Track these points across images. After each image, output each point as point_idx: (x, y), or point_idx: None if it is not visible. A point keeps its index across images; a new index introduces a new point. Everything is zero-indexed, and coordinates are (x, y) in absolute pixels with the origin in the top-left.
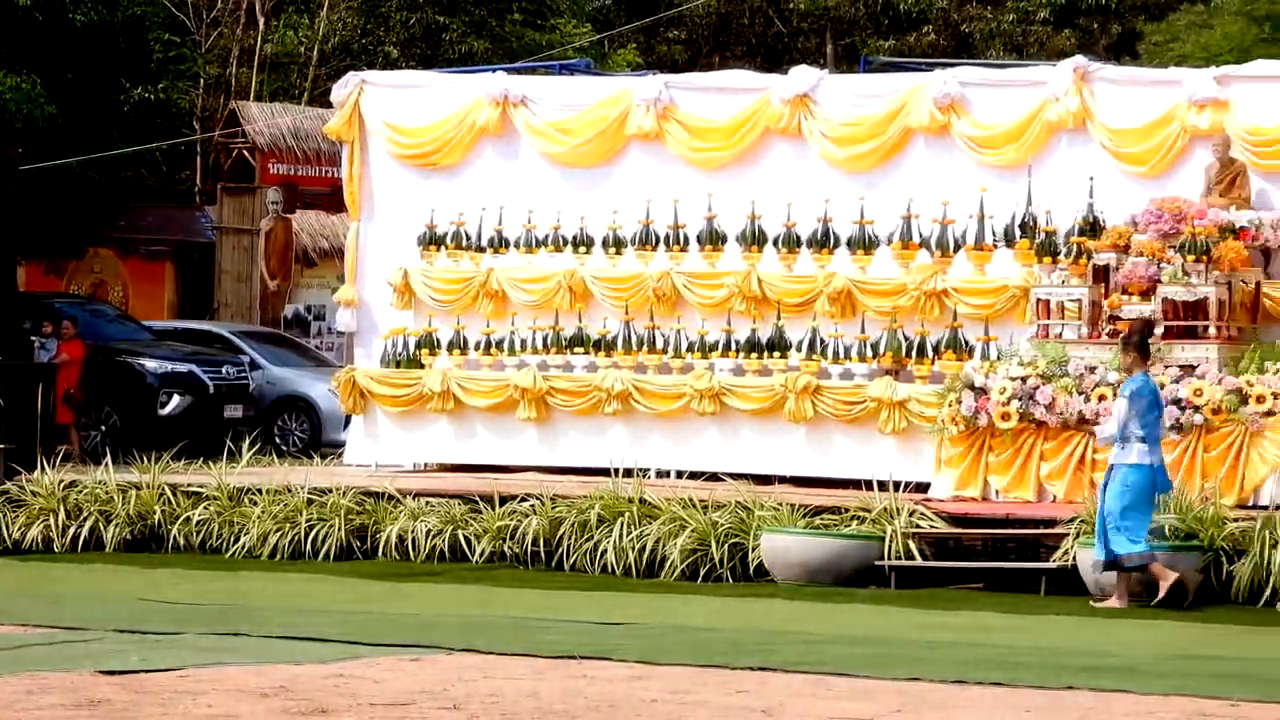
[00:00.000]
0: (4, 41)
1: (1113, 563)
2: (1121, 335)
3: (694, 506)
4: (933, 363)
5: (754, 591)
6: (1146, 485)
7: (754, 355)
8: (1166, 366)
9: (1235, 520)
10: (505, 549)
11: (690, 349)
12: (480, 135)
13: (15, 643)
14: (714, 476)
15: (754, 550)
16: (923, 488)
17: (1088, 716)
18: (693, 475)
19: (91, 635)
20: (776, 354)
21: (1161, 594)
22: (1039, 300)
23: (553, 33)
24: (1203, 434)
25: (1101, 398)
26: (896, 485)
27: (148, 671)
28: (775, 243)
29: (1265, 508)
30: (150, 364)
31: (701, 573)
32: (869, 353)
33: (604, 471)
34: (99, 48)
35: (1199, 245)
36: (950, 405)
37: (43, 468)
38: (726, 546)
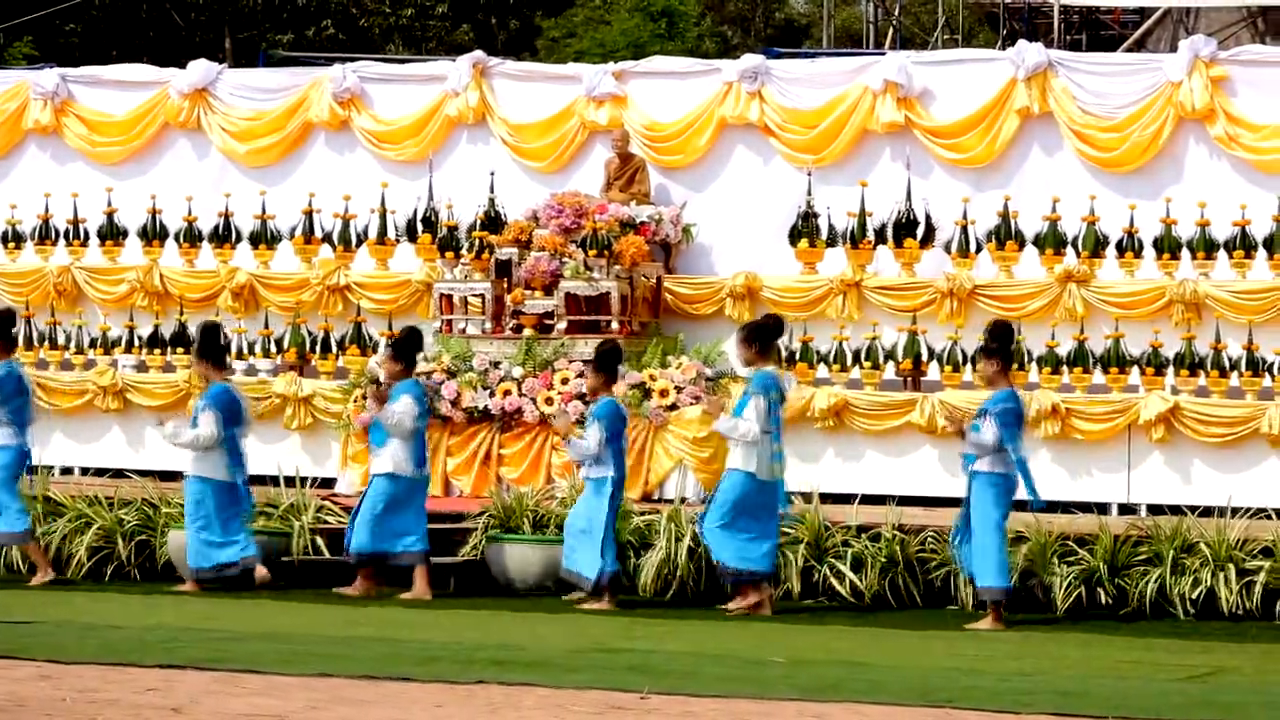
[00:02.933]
0: None
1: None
2: None
3: (100, 504)
4: (337, 358)
5: (161, 589)
6: (14, 464)
7: (157, 351)
8: (570, 361)
9: (641, 514)
10: None
11: (93, 345)
12: None
13: None
14: (120, 473)
15: (161, 548)
16: (329, 483)
17: (498, 710)
18: (98, 472)
19: None
20: (180, 350)
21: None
22: (442, 295)
23: None
24: None
25: (506, 392)
26: (303, 481)
27: None
28: (177, 237)
29: (670, 501)
30: None
31: (108, 571)
32: (273, 348)
33: None
34: None
35: (600, 240)
36: (355, 401)
37: None
38: (134, 544)
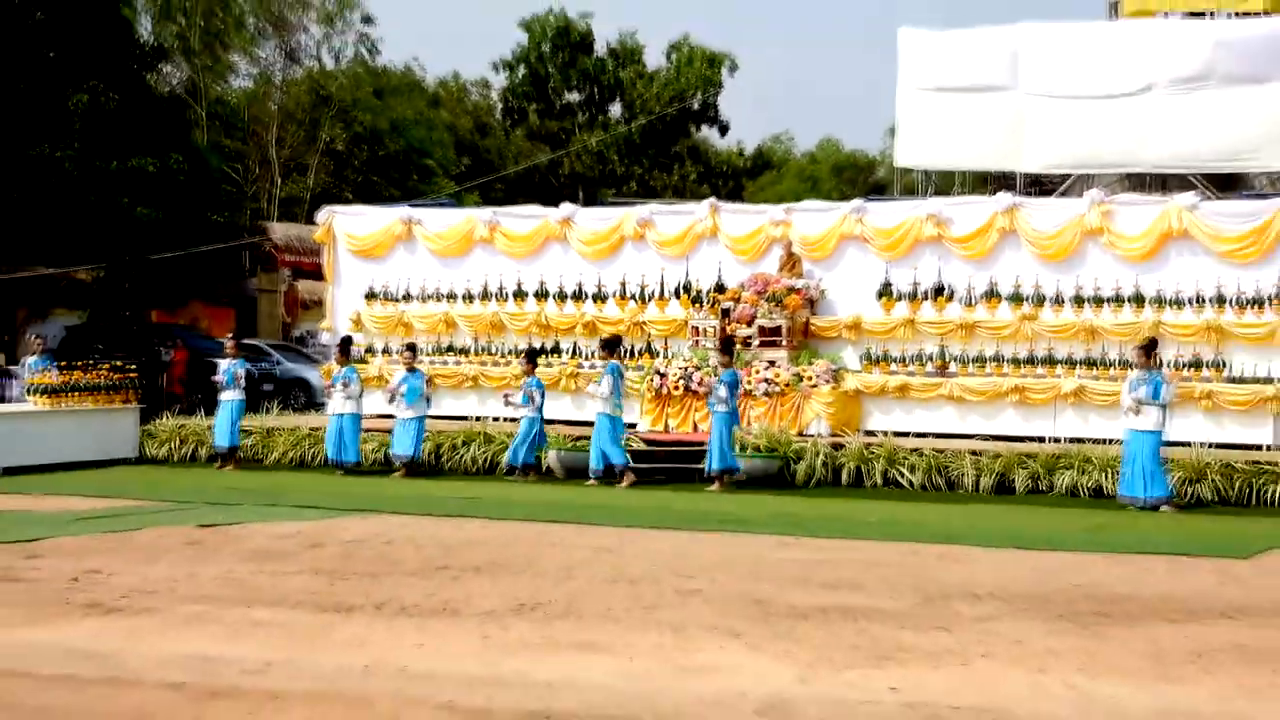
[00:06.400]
0: (142, 188)
1: None
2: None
3: None
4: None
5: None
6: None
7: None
8: (760, 361)
9: (795, 442)
10: None
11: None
12: (396, 240)
13: (150, 509)
14: None
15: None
16: (632, 426)
17: (777, 549)
18: None
19: (192, 506)
20: None
21: None
22: (693, 327)
23: (432, 184)
24: (779, 398)
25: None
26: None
27: (224, 525)
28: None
29: (813, 435)
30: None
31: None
32: None
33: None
34: (195, 192)
35: (776, 297)
36: (648, 381)
37: (164, 417)
38: None
